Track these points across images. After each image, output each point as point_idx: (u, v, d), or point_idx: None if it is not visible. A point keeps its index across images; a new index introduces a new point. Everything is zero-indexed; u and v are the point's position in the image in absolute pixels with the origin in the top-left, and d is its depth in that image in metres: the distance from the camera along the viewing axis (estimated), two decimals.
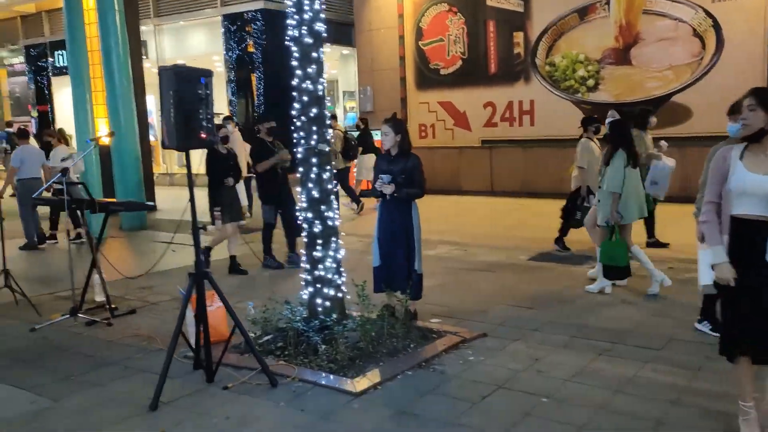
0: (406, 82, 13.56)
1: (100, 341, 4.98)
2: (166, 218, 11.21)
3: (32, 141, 9.97)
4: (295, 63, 4.43)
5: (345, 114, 19.20)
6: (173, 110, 3.68)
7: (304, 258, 4.69)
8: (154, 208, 5.42)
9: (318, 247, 4.57)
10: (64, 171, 5.34)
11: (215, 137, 3.88)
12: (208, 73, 3.82)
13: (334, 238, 4.64)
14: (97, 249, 5.64)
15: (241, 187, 8.02)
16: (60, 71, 20.37)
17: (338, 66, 18.94)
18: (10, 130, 18.16)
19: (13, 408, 3.79)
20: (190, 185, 3.92)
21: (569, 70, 11.63)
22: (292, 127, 4.63)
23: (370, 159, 10.88)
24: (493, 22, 12.40)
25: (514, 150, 12.38)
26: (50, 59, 20.32)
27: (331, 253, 4.61)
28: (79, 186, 5.46)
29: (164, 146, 3.88)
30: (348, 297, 4.78)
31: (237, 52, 16.43)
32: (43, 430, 3.53)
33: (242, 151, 9.71)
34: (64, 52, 20.07)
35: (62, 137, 9.83)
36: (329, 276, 4.60)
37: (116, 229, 10.09)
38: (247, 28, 16.02)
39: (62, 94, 20.71)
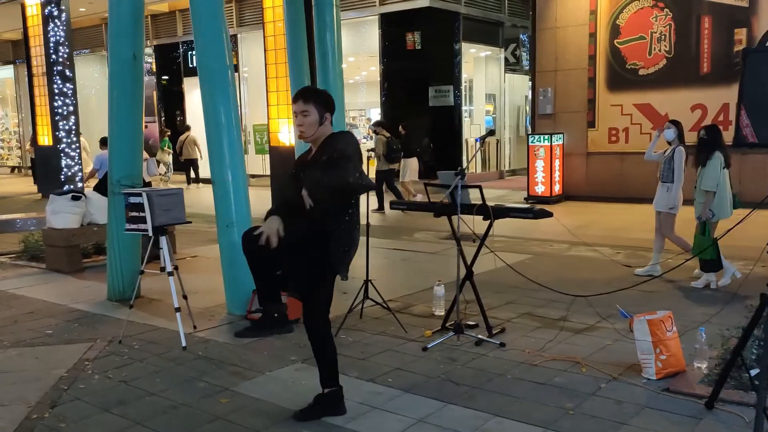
0: (596, 82, 12.81)
1: (523, 366, 4.37)
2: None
3: None
4: None
5: (484, 117, 18.63)
6: None
7: None
8: (550, 215, 4.83)
9: None
10: (459, 172, 4.78)
11: None
12: None
13: None
14: (476, 255, 5.06)
15: None
16: (192, 72, 20.31)
17: (473, 68, 18.34)
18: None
19: None
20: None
21: None
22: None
23: (413, 161, 12.39)
24: (708, 17, 11.56)
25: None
26: (181, 60, 20.27)
27: None
28: (470, 190, 4.88)
29: (744, 143, 3.25)
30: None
31: (394, 51, 15.98)
32: None
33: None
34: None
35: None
36: None
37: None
38: (407, 27, 15.56)
39: (194, 95, 20.66)
